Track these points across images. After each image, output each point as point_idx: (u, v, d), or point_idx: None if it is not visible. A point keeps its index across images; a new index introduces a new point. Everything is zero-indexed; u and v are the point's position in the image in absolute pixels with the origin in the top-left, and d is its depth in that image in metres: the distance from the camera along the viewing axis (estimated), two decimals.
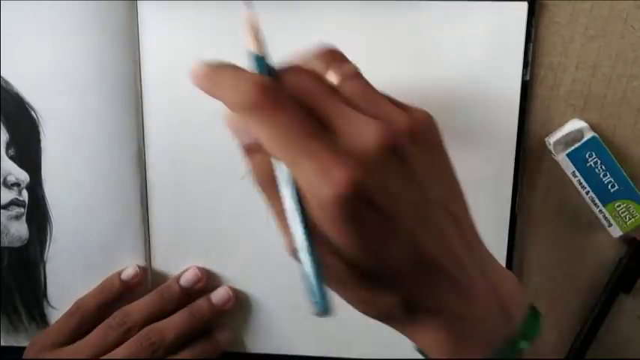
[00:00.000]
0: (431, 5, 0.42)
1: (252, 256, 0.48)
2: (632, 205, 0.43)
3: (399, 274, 0.30)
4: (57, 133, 0.46)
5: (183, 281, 0.47)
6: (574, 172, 0.43)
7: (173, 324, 0.45)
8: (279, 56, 0.44)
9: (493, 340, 0.32)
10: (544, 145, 0.44)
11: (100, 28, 0.44)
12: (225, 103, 0.30)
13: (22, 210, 0.47)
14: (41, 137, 0.46)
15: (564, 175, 0.44)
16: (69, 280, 0.48)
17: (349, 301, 0.32)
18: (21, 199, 0.47)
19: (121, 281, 0.47)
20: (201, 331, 0.47)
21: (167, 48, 0.45)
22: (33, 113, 0.46)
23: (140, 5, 0.44)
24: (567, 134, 0.42)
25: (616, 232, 0.44)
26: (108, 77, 0.45)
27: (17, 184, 0.47)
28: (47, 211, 0.47)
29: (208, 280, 0.48)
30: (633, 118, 0.43)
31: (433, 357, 0.32)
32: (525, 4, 0.42)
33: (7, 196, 0.47)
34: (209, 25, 0.44)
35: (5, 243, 0.48)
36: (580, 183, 0.43)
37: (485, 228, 0.45)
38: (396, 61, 0.44)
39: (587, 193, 0.43)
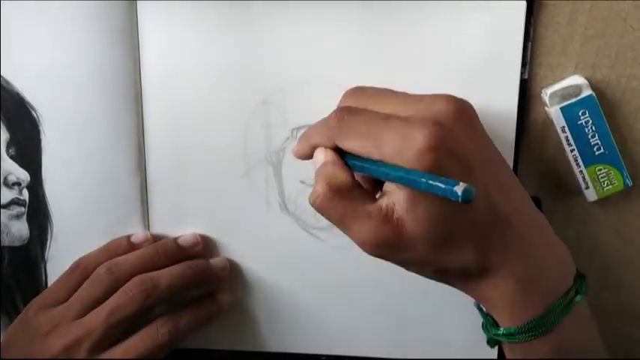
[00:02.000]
0: (430, 5, 0.42)
1: (251, 255, 0.48)
2: (612, 172, 0.43)
3: (476, 229, 0.33)
4: (57, 133, 0.46)
5: (181, 240, 0.46)
6: (564, 127, 0.42)
7: (167, 273, 0.44)
8: (279, 56, 0.44)
9: (554, 291, 0.36)
10: (544, 145, 0.44)
11: (99, 28, 0.44)
12: (320, 140, 0.36)
13: (23, 209, 0.48)
14: (42, 137, 0.46)
15: (565, 172, 0.44)
16: None
17: (423, 264, 0.35)
18: (22, 198, 0.47)
19: (129, 243, 0.46)
20: (201, 291, 0.46)
21: (167, 48, 0.45)
22: (33, 113, 0.46)
23: (140, 5, 0.44)
24: (565, 87, 0.42)
25: (591, 195, 0.43)
26: (108, 77, 0.45)
27: (18, 184, 0.47)
28: (48, 211, 0.47)
29: (206, 249, 0.47)
30: (633, 117, 0.43)
31: (499, 310, 0.36)
32: (524, 4, 0.42)
33: (8, 195, 0.47)
34: (209, 24, 0.44)
35: (6, 242, 0.48)
36: (567, 140, 0.42)
37: None
38: (395, 61, 0.44)
39: (572, 151, 0.42)
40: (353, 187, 0.35)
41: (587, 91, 0.42)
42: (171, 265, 0.45)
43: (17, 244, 0.48)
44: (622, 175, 0.43)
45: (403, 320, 0.48)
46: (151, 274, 0.44)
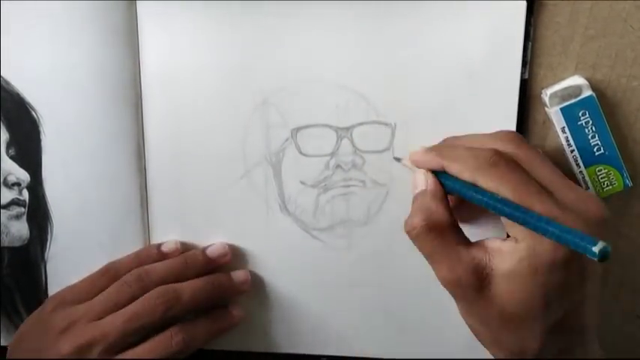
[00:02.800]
0: (430, 5, 0.42)
1: (251, 255, 0.48)
2: (612, 173, 0.43)
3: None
4: (57, 133, 0.46)
5: (209, 252, 0.46)
6: (564, 127, 0.42)
7: (190, 287, 0.44)
8: (279, 56, 0.44)
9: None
10: (544, 145, 0.44)
11: (99, 28, 0.44)
12: (460, 170, 0.36)
13: (23, 210, 0.48)
14: (42, 137, 0.46)
15: (565, 172, 0.44)
16: (69, 280, 0.48)
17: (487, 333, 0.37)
18: (21, 198, 0.47)
19: (159, 252, 0.46)
20: (216, 305, 0.46)
21: (167, 48, 0.45)
22: (33, 113, 0.46)
23: (140, 5, 0.44)
24: (565, 88, 0.42)
25: None
26: (108, 77, 0.45)
27: (18, 184, 0.47)
28: (48, 211, 0.47)
29: (233, 260, 0.47)
30: (633, 117, 0.43)
31: None
32: (524, 4, 0.42)
33: (8, 195, 0.47)
34: (209, 25, 0.44)
35: (6, 243, 0.48)
36: (567, 140, 0.42)
37: (485, 227, 0.45)
38: (396, 61, 0.44)
39: (572, 151, 0.43)
40: (450, 227, 0.36)
41: (587, 92, 0.42)
42: (198, 274, 0.45)
43: (17, 244, 0.48)
44: (622, 175, 0.43)
45: (403, 321, 0.48)
46: (174, 285, 0.44)
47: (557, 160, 0.44)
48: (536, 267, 0.33)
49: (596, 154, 0.42)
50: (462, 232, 0.37)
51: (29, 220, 0.48)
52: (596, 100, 0.42)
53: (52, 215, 0.48)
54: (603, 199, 0.43)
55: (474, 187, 0.36)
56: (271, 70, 0.44)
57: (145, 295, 0.43)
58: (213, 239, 0.47)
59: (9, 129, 0.46)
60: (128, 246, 0.47)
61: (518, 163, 0.35)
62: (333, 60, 0.44)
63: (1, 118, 0.46)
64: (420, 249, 0.36)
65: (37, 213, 0.48)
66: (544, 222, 0.32)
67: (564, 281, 0.34)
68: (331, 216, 0.46)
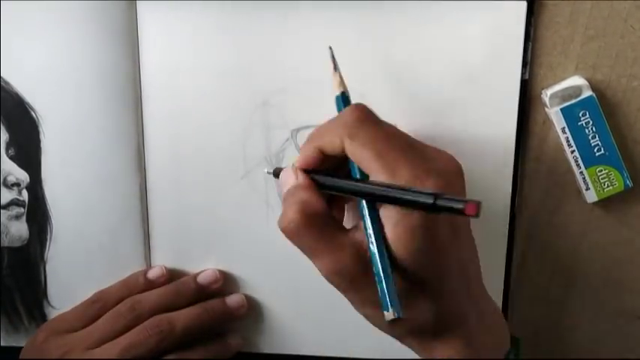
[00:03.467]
0: (430, 5, 0.42)
1: (252, 255, 0.48)
2: (613, 173, 0.43)
3: (444, 284, 0.34)
4: (57, 133, 0.46)
5: (200, 279, 0.47)
6: (564, 128, 0.42)
7: (184, 316, 0.44)
8: (279, 57, 0.44)
9: (499, 352, 0.37)
10: (544, 146, 0.44)
11: (99, 28, 0.44)
12: (331, 140, 0.35)
13: (22, 210, 0.48)
14: (41, 137, 0.46)
15: (565, 172, 0.44)
16: (69, 280, 0.48)
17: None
18: (21, 199, 0.47)
19: (146, 279, 0.47)
20: (212, 333, 0.47)
21: (166, 48, 0.45)
22: (33, 113, 0.46)
23: (140, 5, 0.44)
24: (565, 89, 0.42)
25: (592, 197, 0.43)
26: (107, 77, 0.45)
27: (17, 184, 0.47)
28: (47, 211, 0.47)
29: (225, 284, 0.47)
30: (633, 118, 0.43)
31: None
32: (525, 4, 0.42)
33: (8, 196, 0.47)
34: (209, 25, 0.44)
35: (5, 243, 0.48)
36: (567, 141, 0.42)
37: (485, 226, 0.45)
38: (396, 61, 0.44)
39: (573, 152, 0.42)
40: (327, 216, 0.34)
41: (587, 92, 0.42)
42: (189, 304, 0.46)
43: (17, 244, 0.48)
44: (622, 176, 0.43)
45: None
46: (168, 315, 0.44)
47: (558, 160, 0.44)
48: (411, 227, 0.32)
49: (597, 154, 0.42)
50: (338, 220, 0.36)
51: (29, 221, 0.48)
52: (597, 100, 0.42)
53: (51, 215, 0.47)
54: (603, 200, 0.43)
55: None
56: (271, 71, 0.44)
57: (139, 326, 0.43)
58: (213, 239, 0.47)
59: (8, 129, 0.46)
60: (128, 246, 0.47)
61: (383, 121, 0.35)
62: None
63: (1, 118, 0.46)
64: (299, 244, 0.34)
65: (37, 213, 0.47)
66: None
67: (441, 239, 0.33)
68: None
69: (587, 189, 0.43)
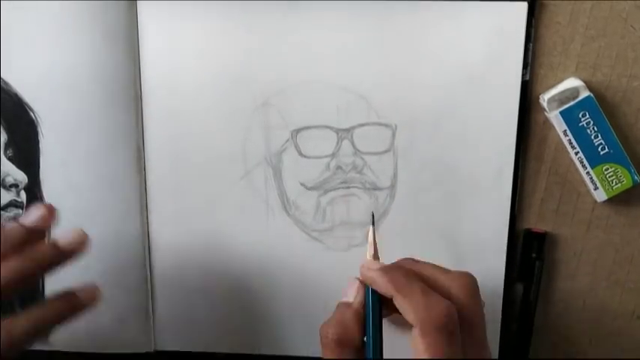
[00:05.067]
0: (430, 5, 0.42)
1: (251, 255, 0.47)
2: (620, 170, 0.42)
3: None
4: (56, 134, 0.46)
5: (24, 219, 0.39)
6: (565, 130, 0.42)
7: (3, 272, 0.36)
8: (279, 57, 0.44)
9: None
10: (544, 146, 0.44)
11: (99, 28, 0.44)
12: (405, 311, 0.36)
13: (21, 211, 0.47)
14: (40, 138, 0.46)
15: (566, 172, 0.44)
16: (67, 281, 0.48)
17: None
18: (19, 200, 0.47)
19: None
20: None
21: (167, 48, 0.45)
22: (32, 114, 0.46)
23: (140, 5, 0.44)
24: (563, 92, 0.42)
25: (601, 196, 0.43)
26: (107, 78, 0.45)
27: (16, 185, 0.47)
28: None
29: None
30: (633, 118, 0.43)
31: None
32: (525, 4, 0.42)
33: (6, 197, 0.47)
34: (209, 25, 0.44)
35: None
36: (570, 143, 0.42)
37: (485, 227, 0.45)
38: (396, 63, 0.44)
39: (577, 153, 0.42)
40: (359, 348, 0.37)
41: (584, 93, 0.42)
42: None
43: None
44: (630, 172, 0.43)
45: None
46: None
47: (558, 160, 0.44)
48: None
49: (601, 153, 0.42)
50: (363, 354, 0.37)
51: None
52: (595, 100, 0.42)
53: None
54: (612, 198, 0.43)
55: None
56: (271, 71, 0.44)
57: None
58: (213, 239, 0.47)
59: (7, 130, 0.46)
60: (128, 247, 0.47)
61: (457, 332, 0.35)
62: (333, 61, 0.44)
63: (0, 119, 0.46)
64: (324, 355, 0.36)
65: None
66: None
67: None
68: (331, 217, 0.46)
69: (596, 188, 0.43)
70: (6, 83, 0.45)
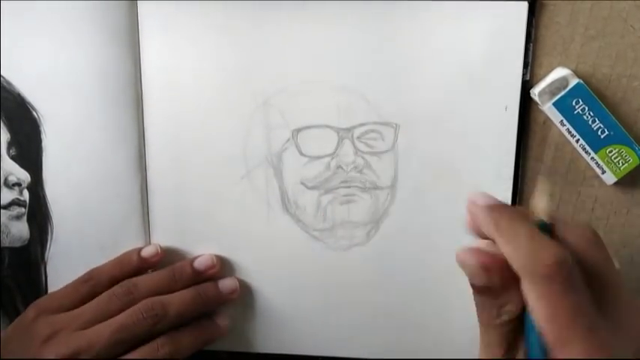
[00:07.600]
0: (430, 5, 0.42)
1: (252, 255, 0.48)
2: (624, 150, 0.42)
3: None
4: (58, 133, 0.46)
5: (197, 264, 0.46)
6: (562, 121, 0.42)
7: (178, 300, 0.44)
8: (279, 57, 0.44)
9: None
10: (544, 145, 0.44)
11: (100, 28, 0.44)
12: (509, 258, 0.30)
13: (23, 210, 0.48)
14: (42, 137, 0.46)
15: (566, 172, 0.44)
16: (69, 280, 0.48)
17: None
18: (22, 199, 0.47)
19: (140, 258, 0.46)
20: (202, 314, 0.46)
21: (167, 48, 0.45)
22: (34, 113, 0.46)
23: (140, 5, 0.44)
24: (552, 83, 0.42)
25: (610, 179, 0.43)
26: (108, 77, 0.45)
27: (18, 184, 0.47)
28: (48, 211, 0.47)
29: (221, 270, 0.47)
30: (633, 117, 0.43)
31: None
32: (525, 4, 0.42)
33: (8, 196, 0.47)
34: (209, 25, 0.44)
35: (6, 243, 0.48)
36: (569, 132, 0.42)
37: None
38: (396, 62, 0.44)
39: (578, 141, 0.42)
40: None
41: (574, 80, 0.41)
42: (185, 286, 0.46)
43: (17, 244, 0.48)
44: (634, 150, 0.42)
45: (403, 321, 0.48)
46: (162, 299, 0.44)
47: (558, 160, 0.44)
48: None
49: (602, 136, 0.42)
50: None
51: (29, 221, 0.48)
52: (585, 86, 0.41)
53: (52, 216, 0.48)
54: (620, 180, 0.42)
55: None
56: (272, 71, 0.44)
57: (133, 307, 0.43)
58: (213, 239, 0.47)
59: (10, 129, 0.46)
60: (128, 247, 0.47)
61: (578, 281, 0.29)
62: (333, 61, 0.44)
63: (2, 118, 0.46)
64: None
65: (38, 213, 0.47)
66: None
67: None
68: (332, 217, 0.46)
69: (604, 172, 0.43)
70: (8, 83, 0.45)
